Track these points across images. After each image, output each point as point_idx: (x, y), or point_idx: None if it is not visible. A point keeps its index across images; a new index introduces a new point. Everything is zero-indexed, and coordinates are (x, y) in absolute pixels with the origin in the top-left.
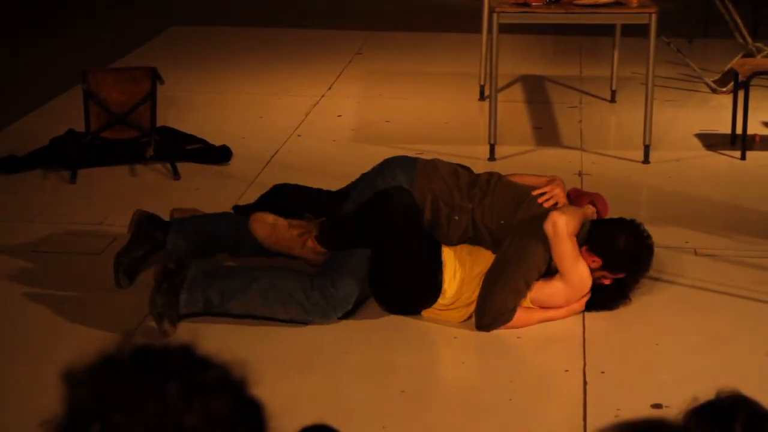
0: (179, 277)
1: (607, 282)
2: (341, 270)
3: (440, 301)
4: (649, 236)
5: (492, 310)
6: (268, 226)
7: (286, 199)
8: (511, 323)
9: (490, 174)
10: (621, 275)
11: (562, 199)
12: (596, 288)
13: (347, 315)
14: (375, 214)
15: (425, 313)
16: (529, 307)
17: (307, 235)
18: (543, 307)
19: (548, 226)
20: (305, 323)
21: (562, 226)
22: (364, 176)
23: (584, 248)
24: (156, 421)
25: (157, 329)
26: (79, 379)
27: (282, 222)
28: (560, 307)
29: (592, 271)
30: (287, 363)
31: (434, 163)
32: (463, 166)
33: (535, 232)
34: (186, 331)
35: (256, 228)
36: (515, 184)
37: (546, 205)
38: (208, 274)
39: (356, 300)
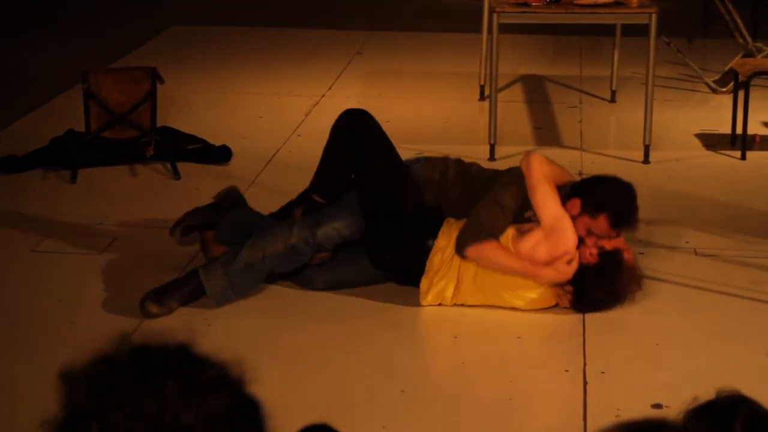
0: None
1: (593, 253)
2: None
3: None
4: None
5: (468, 227)
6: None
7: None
8: (491, 258)
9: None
10: (602, 218)
11: None
12: (586, 284)
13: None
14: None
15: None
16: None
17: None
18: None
19: (523, 163)
20: (293, 254)
21: (535, 164)
22: None
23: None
24: (154, 420)
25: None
26: (77, 379)
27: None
28: (546, 263)
29: (574, 220)
30: (287, 362)
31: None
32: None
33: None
34: (184, 330)
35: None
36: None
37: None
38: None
39: (342, 235)
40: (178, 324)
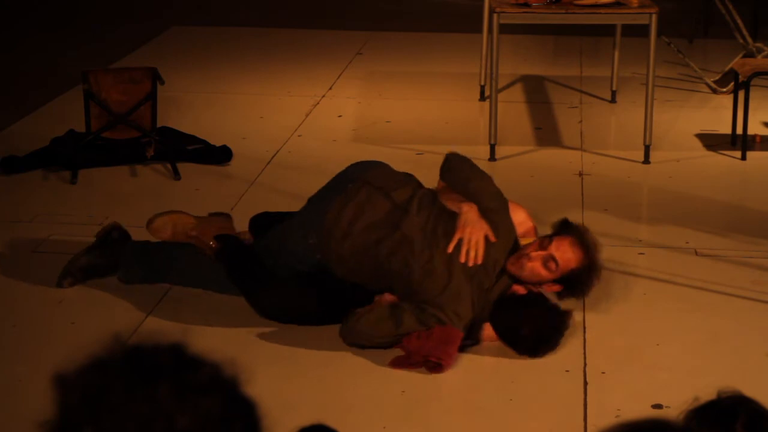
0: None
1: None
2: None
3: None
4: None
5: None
6: (168, 229)
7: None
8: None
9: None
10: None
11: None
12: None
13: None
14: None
15: None
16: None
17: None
18: None
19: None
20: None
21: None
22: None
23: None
24: (147, 422)
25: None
26: (70, 383)
27: (185, 220)
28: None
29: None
30: (285, 362)
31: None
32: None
33: None
34: (177, 330)
35: (155, 230)
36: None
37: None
38: (142, 250)
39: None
40: (174, 325)
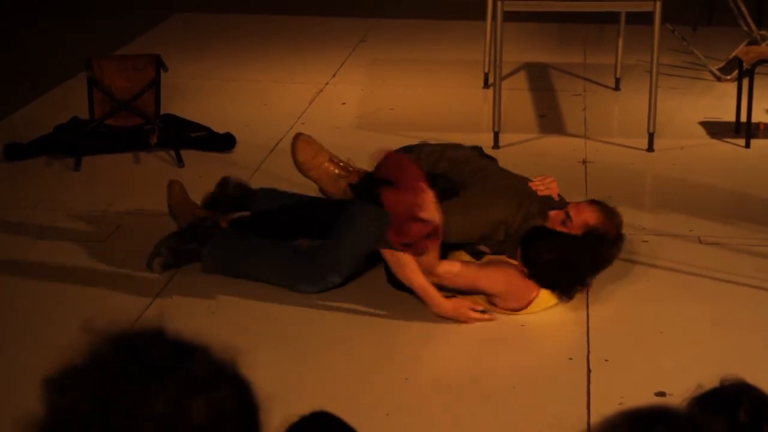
0: (203, 230)
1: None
2: (338, 242)
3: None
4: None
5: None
6: (311, 150)
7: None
8: (392, 260)
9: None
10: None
11: (555, 192)
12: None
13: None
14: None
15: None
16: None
17: (344, 178)
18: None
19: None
20: (291, 289)
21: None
22: None
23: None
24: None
25: (149, 260)
26: (66, 385)
27: (325, 152)
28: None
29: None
30: (288, 349)
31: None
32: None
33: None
34: (182, 316)
35: (299, 147)
36: (508, 174)
37: (539, 193)
38: (230, 236)
39: (346, 274)
40: (177, 311)
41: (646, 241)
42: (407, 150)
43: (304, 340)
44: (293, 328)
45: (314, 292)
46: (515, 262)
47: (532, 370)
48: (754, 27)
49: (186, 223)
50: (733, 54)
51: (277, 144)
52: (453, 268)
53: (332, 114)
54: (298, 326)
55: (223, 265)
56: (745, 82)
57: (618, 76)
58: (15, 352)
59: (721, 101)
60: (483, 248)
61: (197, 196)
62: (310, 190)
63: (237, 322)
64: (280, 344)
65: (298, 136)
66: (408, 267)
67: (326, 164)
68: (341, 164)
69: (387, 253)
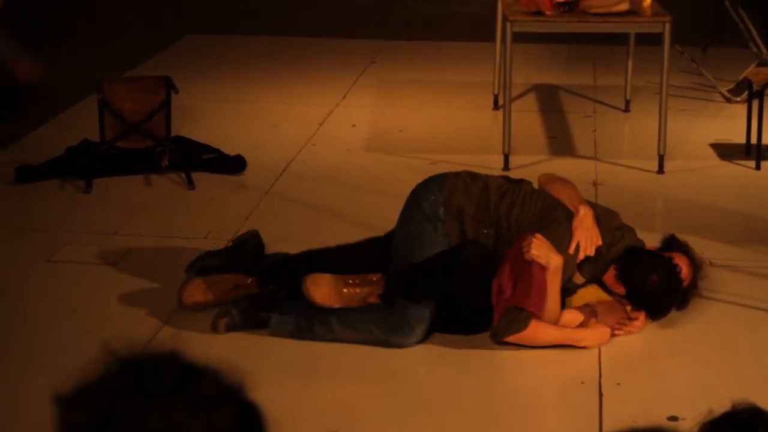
0: (274, 299)
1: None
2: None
3: None
4: (679, 281)
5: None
6: (324, 289)
7: (327, 266)
8: (523, 336)
9: (520, 183)
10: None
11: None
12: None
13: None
14: (448, 272)
15: None
16: (542, 322)
17: (368, 292)
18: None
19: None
20: (387, 344)
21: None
22: (402, 214)
23: (612, 272)
24: None
25: (215, 319)
26: (75, 403)
27: (339, 281)
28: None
29: (613, 294)
30: (300, 372)
31: (464, 180)
32: (495, 177)
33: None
34: (193, 339)
35: (312, 291)
36: (544, 196)
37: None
38: (298, 303)
39: (429, 319)
40: (187, 334)
41: None
42: (441, 177)
43: (315, 363)
44: (303, 351)
45: (412, 344)
46: (608, 297)
47: (544, 393)
48: (763, 48)
49: (248, 293)
50: (743, 75)
51: (287, 166)
52: (577, 318)
53: (342, 136)
54: (308, 349)
55: (295, 331)
56: (755, 104)
57: (628, 97)
58: (28, 373)
59: (731, 123)
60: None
61: (208, 217)
62: (324, 228)
63: (246, 346)
64: (290, 367)
65: (304, 280)
66: (539, 334)
67: (345, 291)
68: (357, 282)
69: (514, 339)
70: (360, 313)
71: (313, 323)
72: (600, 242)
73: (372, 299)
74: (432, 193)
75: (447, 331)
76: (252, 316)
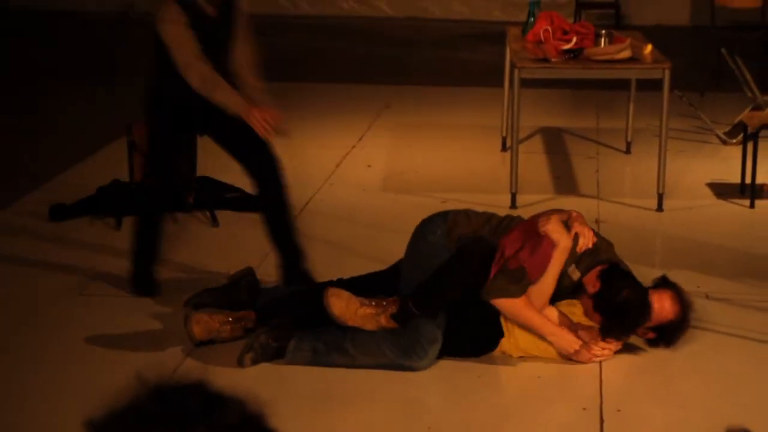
0: (288, 329)
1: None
2: (418, 324)
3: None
4: (642, 316)
5: (502, 279)
6: (343, 303)
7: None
8: (512, 304)
9: (514, 218)
10: (596, 317)
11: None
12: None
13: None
14: (464, 269)
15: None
16: (530, 302)
17: (381, 314)
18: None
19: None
20: (401, 368)
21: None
22: (408, 250)
23: (597, 271)
24: None
25: (241, 355)
26: (105, 427)
27: (355, 299)
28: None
29: (584, 292)
30: (315, 400)
31: (466, 213)
32: (495, 214)
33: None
34: (215, 368)
35: (332, 303)
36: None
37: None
38: (314, 330)
39: (441, 340)
40: (211, 363)
41: None
42: (445, 213)
43: (325, 390)
44: (319, 380)
45: (425, 366)
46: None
47: (547, 419)
48: (758, 93)
49: (274, 321)
50: (738, 119)
51: (306, 204)
52: (560, 318)
53: (359, 176)
54: (324, 378)
55: (312, 357)
56: (750, 146)
57: (629, 139)
58: (61, 399)
59: (726, 164)
60: None
61: (230, 253)
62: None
63: (266, 375)
64: (307, 396)
65: (326, 291)
66: (524, 310)
67: (360, 309)
68: (373, 303)
69: (500, 303)
70: (374, 337)
71: (329, 350)
72: (595, 239)
73: (384, 319)
74: (437, 227)
75: (458, 354)
76: (269, 348)
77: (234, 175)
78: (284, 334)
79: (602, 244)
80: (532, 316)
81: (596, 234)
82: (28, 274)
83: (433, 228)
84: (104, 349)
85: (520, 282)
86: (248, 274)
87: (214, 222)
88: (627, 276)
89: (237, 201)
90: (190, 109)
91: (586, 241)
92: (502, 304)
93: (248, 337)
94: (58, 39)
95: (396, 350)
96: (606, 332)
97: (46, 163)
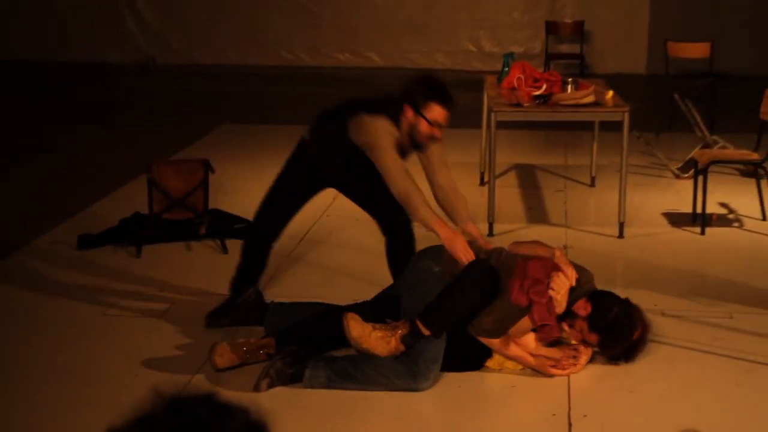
0: (302, 356)
1: (577, 340)
2: (422, 346)
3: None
4: (636, 323)
5: (487, 319)
6: (360, 326)
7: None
8: (490, 345)
9: (500, 250)
10: (594, 337)
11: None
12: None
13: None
14: (472, 288)
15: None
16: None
17: (392, 336)
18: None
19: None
20: (407, 390)
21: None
22: (405, 278)
23: (585, 298)
24: None
25: (258, 381)
26: None
27: (368, 324)
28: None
29: (577, 317)
30: (309, 412)
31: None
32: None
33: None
34: (221, 380)
35: (351, 326)
36: (515, 257)
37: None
38: (327, 357)
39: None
40: (219, 377)
41: None
42: (438, 250)
43: (319, 402)
44: (317, 393)
45: (427, 387)
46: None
47: (521, 424)
48: (707, 133)
49: (268, 351)
50: (690, 156)
51: (306, 233)
52: (531, 338)
53: (353, 208)
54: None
55: (327, 382)
56: (700, 180)
57: (593, 174)
58: (85, 409)
59: (680, 195)
60: None
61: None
62: (337, 285)
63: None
64: (303, 407)
65: (345, 316)
66: (505, 349)
67: (374, 333)
68: (383, 327)
69: (482, 339)
70: (382, 368)
71: (342, 376)
72: (577, 275)
73: (394, 342)
74: (436, 264)
75: (447, 369)
76: (285, 374)
77: (241, 207)
78: (299, 361)
79: (583, 276)
80: (509, 351)
81: (578, 268)
82: (58, 295)
83: (427, 265)
84: (124, 364)
85: (504, 323)
86: (254, 291)
87: (224, 250)
88: (612, 296)
89: (244, 231)
90: (330, 177)
91: (571, 281)
92: (486, 342)
93: (267, 362)
94: (83, 88)
95: (402, 376)
96: (604, 347)
97: (75, 198)
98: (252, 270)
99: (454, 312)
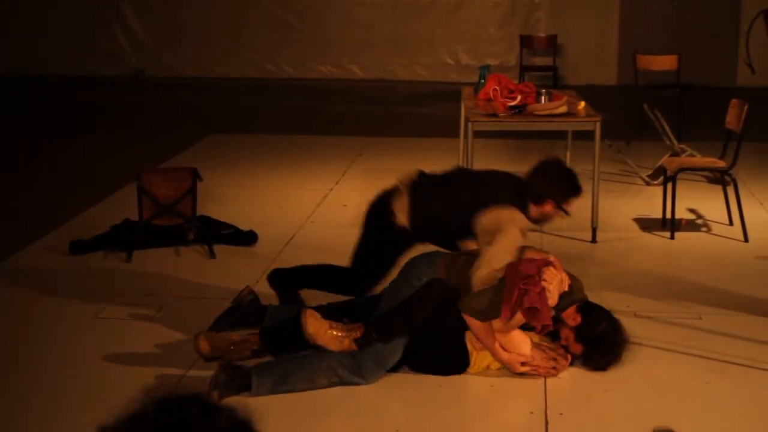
0: (240, 366)
1: (561, 347)
2: (372, 348)
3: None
4: (621, 340)
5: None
6: (316, 323)
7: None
8: (478, 326)
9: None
10: (579, 347)
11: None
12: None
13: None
14: (425, 303)
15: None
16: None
17: (346, 337)
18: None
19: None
20: (351, 383)
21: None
22: (392, 282)
23: (575, 307)
24: None
25: (209, 389)
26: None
27: (326, 321)
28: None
29: (565, 325)
30: (292, 411)
31: (453, 258)
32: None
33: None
34: (196, 384)
35: (308, 323)
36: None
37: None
38: (269, 363)
39: (391, 363)
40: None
41: None
42: (432, 260)
43: (303, 402)
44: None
45: (368, 383)
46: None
47: (499, 422)
48: (675, 142)
49: (251, 347)
50: (659, 163)
51: (291, 239)
52: (516, 334)
53: (335, 214)
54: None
55: (273, 387)
56: (669, 186)
57: None
58: (78, 409)
59: (650, 202)
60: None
61: (226, 282)
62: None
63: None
64: (286, 406)
65: (304, 312)
66: (485, 334)
67: (329, 331)
68: (340, 326)
69: (468, 318)
70: (329, 360)
71: (286, 377)
72: (569, 281)
73: (347, 342)
74: (423, 274)
75: (429, 373)
76: (232, 384)
77: (228, 214)
78: (240, 371)
79: (575, 285)
80: (485, 339)
81: (570, 276)
82: (51, 298)
83: (419, 276)
84: (115, 365)
85: (495, 306)
86: (248, 293)
87: (212, 255)
88: (602, 310)
89: (231, 236)
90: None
91: (563, 286)
92: (469, 320)
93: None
94: (75, 100)
95: (346, 369)
96: (587, 359)
97: (67, 206)
98: (306, 278)
99: (406, 324)
